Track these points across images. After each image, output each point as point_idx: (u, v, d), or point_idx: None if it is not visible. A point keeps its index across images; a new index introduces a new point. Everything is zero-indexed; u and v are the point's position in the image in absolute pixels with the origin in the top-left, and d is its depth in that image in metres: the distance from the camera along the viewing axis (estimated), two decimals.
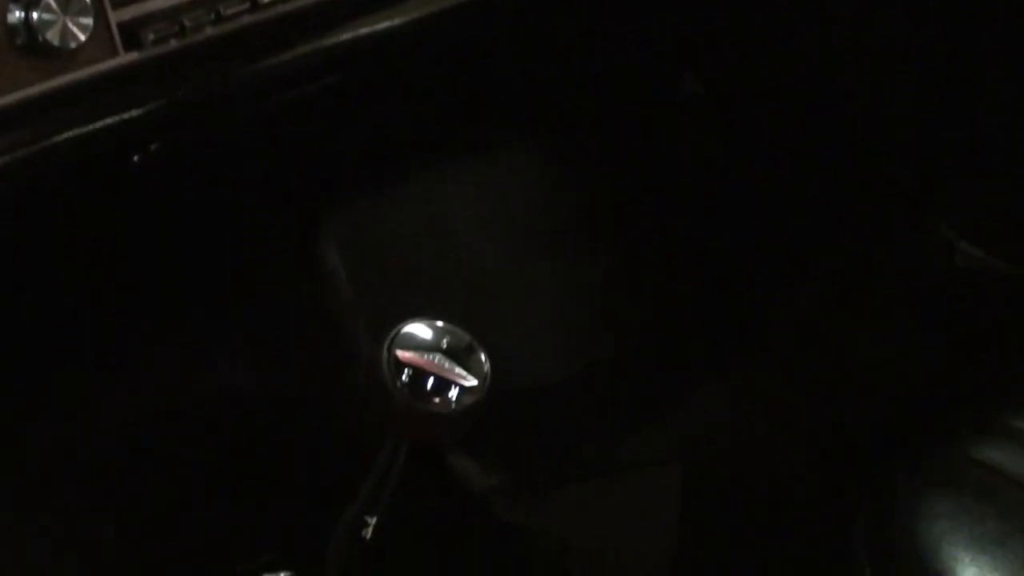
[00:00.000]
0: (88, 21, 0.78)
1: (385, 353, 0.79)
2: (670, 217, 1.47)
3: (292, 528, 1.12)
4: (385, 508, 0.94)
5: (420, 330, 0.81)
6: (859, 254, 1.44)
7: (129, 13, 0.82)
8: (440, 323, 0.81)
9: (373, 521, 0.94)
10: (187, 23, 0.83)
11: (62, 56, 0.79)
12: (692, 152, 1.45)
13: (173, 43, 0.83)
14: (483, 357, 0.81)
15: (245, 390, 1.23)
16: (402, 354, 0.80)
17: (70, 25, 0.77)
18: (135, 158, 0.98)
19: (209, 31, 0.84)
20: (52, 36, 0.77)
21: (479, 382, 0.80)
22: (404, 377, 0.79)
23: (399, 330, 0.81)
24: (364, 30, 0.93)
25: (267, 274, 1.32)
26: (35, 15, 0.76)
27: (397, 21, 0.93)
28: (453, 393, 0.80)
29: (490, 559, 1.23)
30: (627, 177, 1.48)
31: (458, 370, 0.80)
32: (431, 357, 0.80)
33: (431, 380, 0.80)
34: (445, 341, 0.81)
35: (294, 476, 1.19)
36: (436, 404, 0.79)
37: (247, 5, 0.84)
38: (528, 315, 1.29)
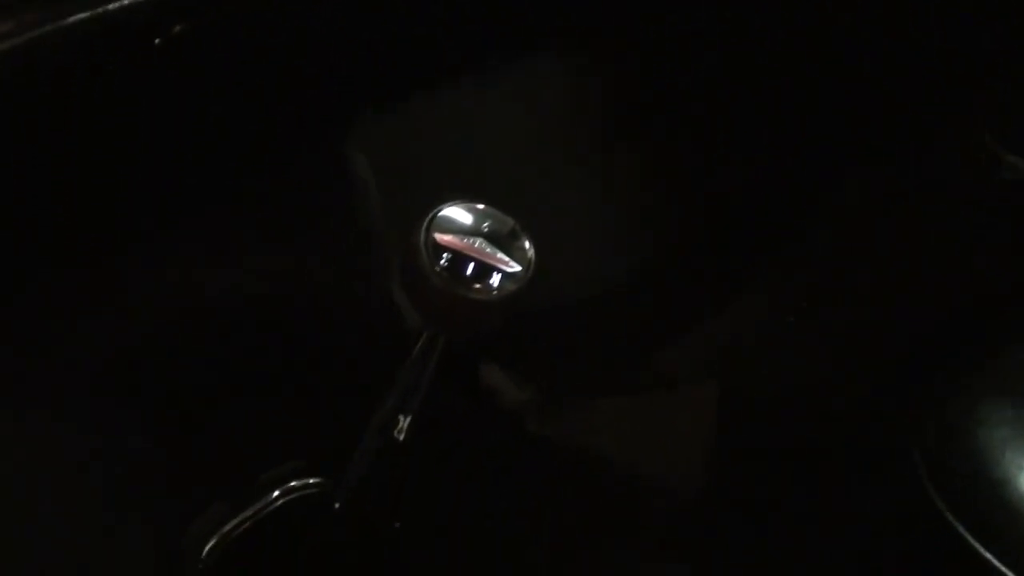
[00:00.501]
0: None
1: (423, 236, 0.74)
2: (707, 119, 1.42)
3: (319, 431, 1.09)
4: (418, 408, 0.90)
5: (459, 213, 0.76)
6: (902, 161, 1.39)
7: None
8: (481, 206, 0.77)
9: (406, 422, 0.90)
10: None
11: None
12: (730, 49, 1.39)
13: None
14: (527, 243, 0.76)
15: (270, 288, 1.18)
16: (440, 237, 0.75)
17: None
18: (156, 40, 0.93)
19: None
20: None
21: (522, 269, 0.75)
22: (443, 261, 0.75)
23: (437, 212, 0.76)
24: None
25: (292, 174, 1.28)
26: None
27: None
28: (495, 279, 0.75)
29: (519, 472, 1.19)
30: (662, 76, 1.42)
31: (500, 255, 0.75)
32: (471, 241, 0.75)
33: (471, 265, 0.75)
34: (486, 225, 0.76)
35: (320, 377, 1.15)
36: (476, 290, 0.74)
37: None
38: (563, 221, 1.24)
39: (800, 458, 1.28)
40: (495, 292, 0.75)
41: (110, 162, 1.02)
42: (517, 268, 0.75)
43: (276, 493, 1.05)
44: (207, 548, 1.02)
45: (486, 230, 0.76)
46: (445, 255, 0.75)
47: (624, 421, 1.28)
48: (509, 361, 1.26)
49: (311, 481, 1.05)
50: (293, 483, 1.05)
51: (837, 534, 1.14)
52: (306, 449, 1.07)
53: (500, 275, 0.75)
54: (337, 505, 0.99)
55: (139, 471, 1.08)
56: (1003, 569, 0.88)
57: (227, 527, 1.03)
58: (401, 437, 0.91)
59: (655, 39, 1.40)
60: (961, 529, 0.92)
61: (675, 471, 1.26)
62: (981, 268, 1.37)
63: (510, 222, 0.77)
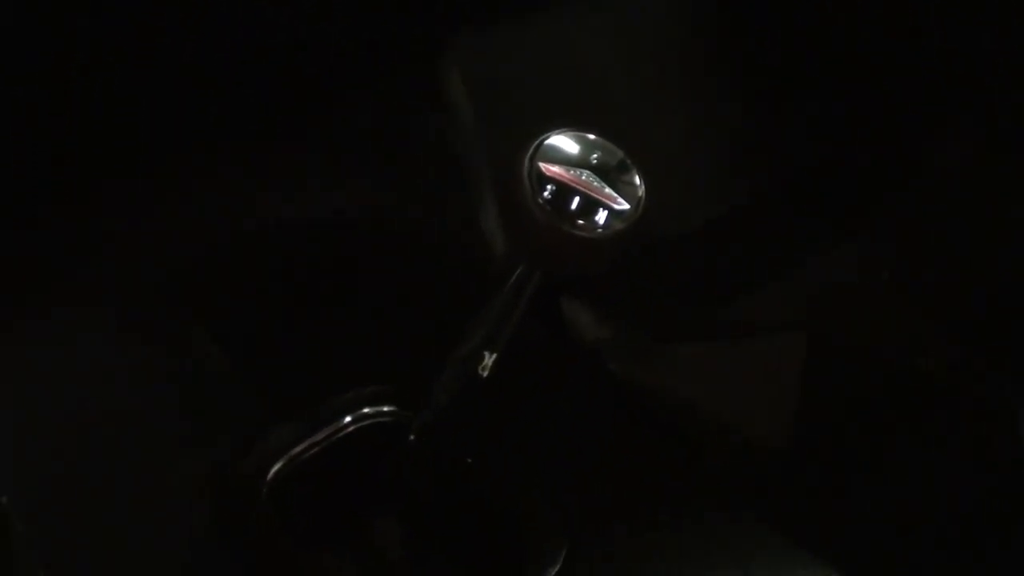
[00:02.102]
0: None
1: (527, 164, 0.69)
2: (809, 64, 1.36)
3: (398, 360, 1.05)
4: (505, 346, 0.85)
5: (567, 142, 0.71)
6: (1007, 119, 1.32)
7: None
8: (591, 136, 0.71)
9: (491, 359, 0.86)
10: None
11: None
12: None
13: None
14: (637, 178, 0.71)
15: (358, 211, 1.14)
16: (546, 167, 0.70)
17: None
18: None
19: None
20: None
21: (631, 207, 0.70)
22: (546, 193, 0.70)
23: (543, 140, 0.71)
24: None
25: (382, 93, 1.23)
26: None
27: None
28: (601, 216, 0.70)
29: (597, 412, 1.15)
30: (767, 21, 1.36)
31: (608, 191, 0.70)
32: (578, 173, 0.70)
33: (576, 199, 0.70)
34: (595, 156, 0.71)
35: (403, 305, 1.11)
36: (580, 227, 0.70)
37: None
38: (658, 158, 1.18)
39: (887, 416, 1.23)
40: (600, 230, 0.70)
41: (198, 68, 0.98)
42: (625, 206, 0.70)
43: (348, 419, 1.01)
44: (273, 469, 0.99)
45: (594, 162, 0.71)
46: (549, 187, 0.70)
47: (707, 367, 1.24)
48: (593, 298, 1.22)
49: (385, 409, 1.02)
50: (367, 410, 1.01)
51: (922, 494, 1.09)
52: (383, 377, 1.03)
53: (607, 212, 0.70)
54: (412, 437, 0.95)
55: (206, 387, 1.05)
56: None
57: (296, 450, 1.00)
58: (485, 374, 0.87)
59: None
60: None
61: (757, 421, 1.21)
62: None
63: (620, 154, 0.71)
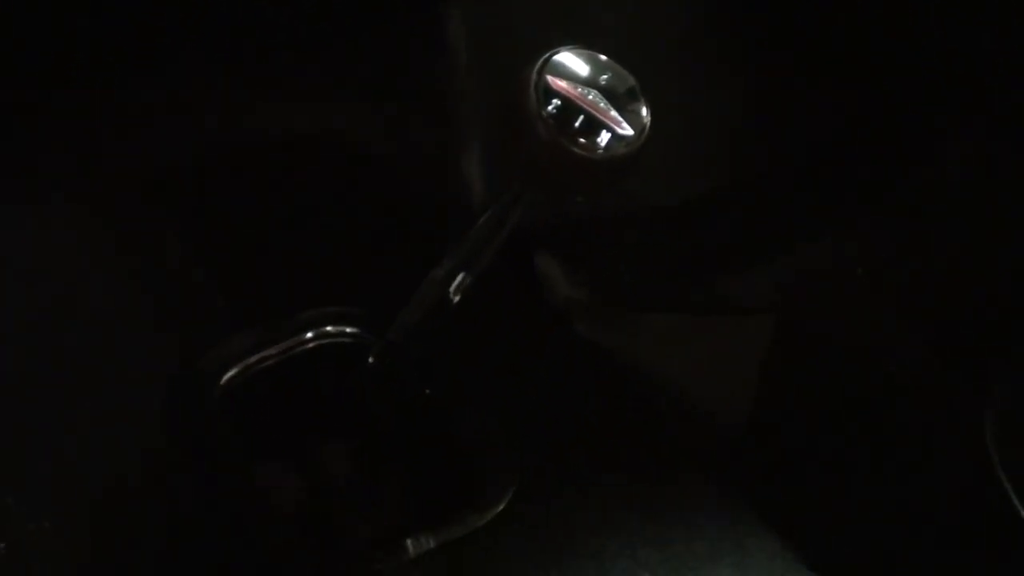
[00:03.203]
0: None
1: (535, 75, 0.68)
2: (814, 58, 1.35)
3: (366, 282, 1.03)
4: (481, 270, 0.84)
5: (577, 61, 0.70)
6: (1006, 130, 1.32)
7: None
8: (603, 57, 0.70)
9: (466, 280, 0.84)
10: None
11: None
12: None
13: None
14: (644, 108, 0.70)
15: (345, 133, 1.13)
16: (553, 80, 0.68)
17: None
18: None
19: None
20: None
21: (635, 133, 0.69)
22: (551, 107, 0.68)
23: (553, 54, 0.69)
24: None
25: (380, 26, 1.21)
26: None
27: None
28: (603, 138, 0.68)
29: (559, 369, 1.14)
30: (774, 16, 1.35)
31: (613, 113, 0.69)
32: (585, 92, 0.69)
33: (581, 117, 0.68)
34: (604, 78, 0.69)
35: (377, 230, 1.10)
36: (581, 145, 0.68)
37: None
38: (660, 109, 1.17)
39: (846, 409, 1.23)
40: (600, 151, 0.68)
41: None
42: (629, 131, 0.68)
43: (309, 335, 0.99)
44: (227, 375, 0.97)
45: (603, 83, 0.69)
46: (555, 101, 0.68)
47: (674, 339, 1.23)
48: (568, 257, 1.21)
49: (348, 330, 1.00)
50: (329, 328, 1.00)
51: (879, 492, 1.09)
52: (349, 300, 1.01)
53: (610, 135, 0.68)
54: (371, 359, 0.93)
55: (177, 290, 1.03)
56: None
57: (252, 359, 0.98)
58: (456, 299, 0.85)
59: None
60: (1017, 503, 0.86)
61: (717, 395, 1.20)
62: None
63: (631, 80, 0.70)
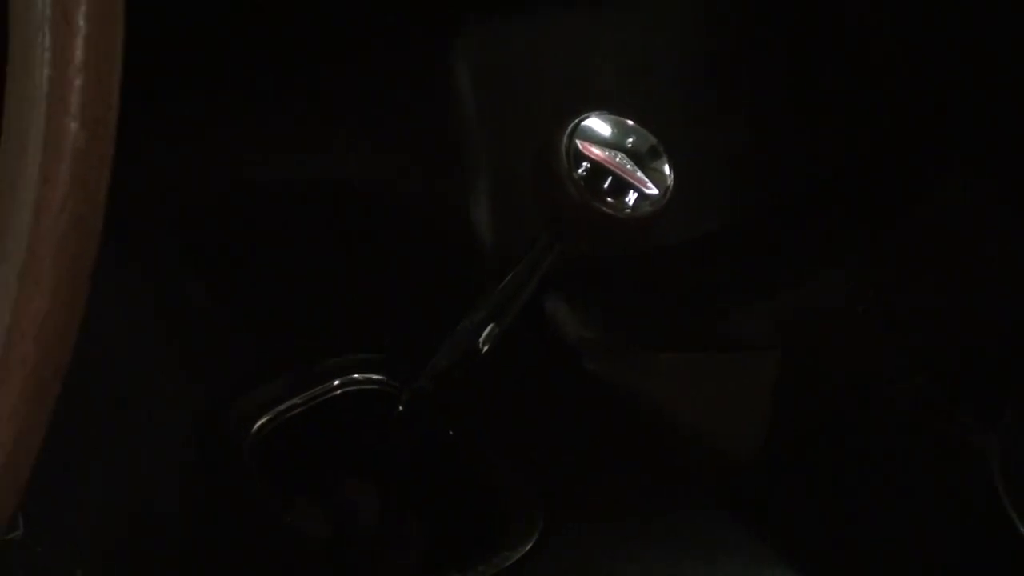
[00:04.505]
0: None
1: (565, 140, 0.72)
2: (810, 87, 1.39)
3: (383, 333, 1.06)
4: (511, 321, 0.87)
5: (603, 124, 0.74)
6: (1005, 170, 1.36)
7: None
8: (629, 121, 0.74)
9: (495, 332, 0.87)
10: None
11: None
12: (836, 23, 1.36)
13: None
14: (667, 167, 0.74)
15: (354, 179, 1.16)
16: (583, 144, 0.72)
17: None
18: None
19: None
20: None
21: (659, 192, 0.73)
22: (581, 170, 0.72)
23: (583, 118, 0.73)
24: None
25: (387, 75, 1.25)
26: None
27: None
28: (630, 198, 0.72)
29: (572, 407, 1.17)
30: (771, 47, 1.40)
31: (639, 174, 0.73)
32: (612, 155, 0.73)
33: (609, 179, 0.72)
34: (630, 141, 0.73)
35: (390, 278, 1.13)
36: (611, 205, 0.72)
37: None
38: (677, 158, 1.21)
39: (852, 442, 1.27)
40: (628, 211, 0.72)
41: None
42: (655, 191, 0.73)
43: (337, 382, 1.03)
44: (259, 423, 1.00)
45: (628, 146, 0.73)
46: (585, 164, 0.72)
47: (684, 375, 1.27)
48: (577, 296, 1.24)
49: (374, 377, 1.03)
50: (355, 376, 1.03)
51: (886, 520, 1.13)
52: (371, 346, 1.05)
53: (637, 195, 0.73)
54: (400, 408, 0.97)
55: (201, 334, 1.06)
56: None
57: (282, 406, 1.01)
58: (485, 348, 0.88)
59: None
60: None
61: (726, 433, 1.24)
62: None
63: (652, 140, 0.74)
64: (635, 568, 1.00)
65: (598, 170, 0.72)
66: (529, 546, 0.94)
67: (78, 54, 0.39)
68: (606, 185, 0.72)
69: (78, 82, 0.39)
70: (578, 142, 0.72)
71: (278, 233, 1.14)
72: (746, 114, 1.34)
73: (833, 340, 1.35)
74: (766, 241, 1.37)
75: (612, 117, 0.74)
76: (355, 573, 1.02)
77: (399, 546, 1.00)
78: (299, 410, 1.02)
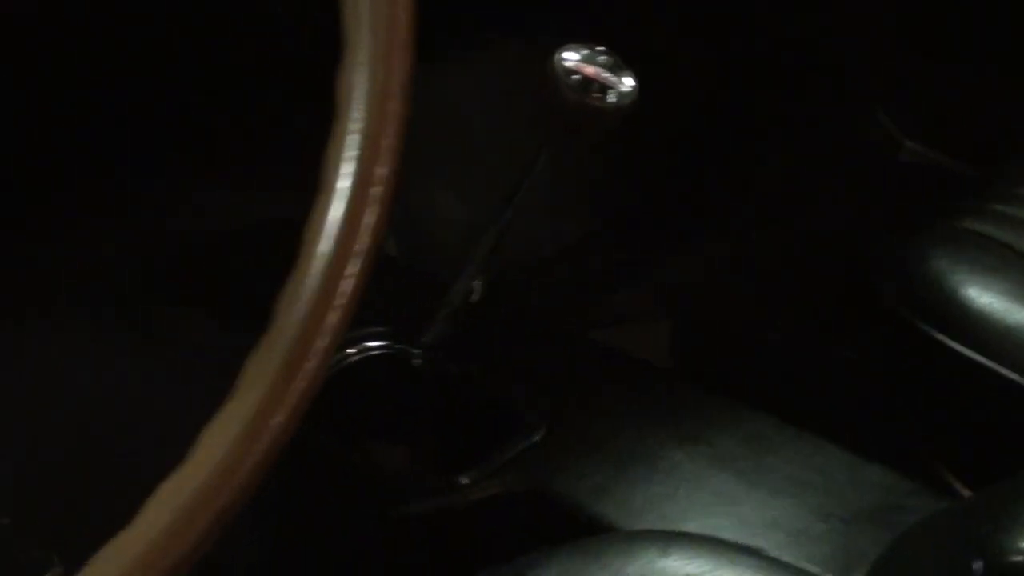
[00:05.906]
0: None
1: (557, 63, 0.99)
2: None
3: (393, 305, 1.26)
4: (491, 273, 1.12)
5: (577, 49, 1.01)
6: (803, 133, 1.67)
7: None
8: (596, 46, 1.02)
9: (480, 286, 1.11)
10: None
11: None
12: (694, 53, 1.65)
13: None
14: (630, 73, 1.02)
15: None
16: (569, 64, 1.00)
17: None
18: None
19: None
20: None
21: (632, 87, 1.01)
22: (572, 80, 0.99)
23: (563, 48, 1.01)
24: None
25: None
26: None
27: None
28: (611, 96, 1.00)
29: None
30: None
31: (612, 78, 1.01)
32: (590, 67, 1.00)
33: (594, 84, 1.00)
34: (599, 58, 1.01)
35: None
36: (599, 99, 0.99)
37: None
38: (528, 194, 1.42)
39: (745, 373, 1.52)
40: (612, 102, 1.00)
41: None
42: (629, 87, 1.00)
43: (352, 350, 1.24)
44: None
45: (599, 61, 1.01)
46: (574, 76, 0.99)
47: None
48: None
49: (386, 343, 1.24)
50: (369, 343, 1.24)
51: None
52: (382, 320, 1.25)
53: (614, 92, 1.00)
54: (416, 361, 1.19)
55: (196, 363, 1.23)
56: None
57: None
58: (475, 298, 1.12)
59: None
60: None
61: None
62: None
63: (615, 57, 1.02)
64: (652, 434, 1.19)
65: (585, 79, 0.99)
66: (537, 438, 1.17)
67: None
68: (593, 88, 0.99)
69: None
70: (565, 63, 1.00)
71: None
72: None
73: (709, 301, 1.62)
74: (635, 235, 1.64)
75: (584, 44, 1.02)
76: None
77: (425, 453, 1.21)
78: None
